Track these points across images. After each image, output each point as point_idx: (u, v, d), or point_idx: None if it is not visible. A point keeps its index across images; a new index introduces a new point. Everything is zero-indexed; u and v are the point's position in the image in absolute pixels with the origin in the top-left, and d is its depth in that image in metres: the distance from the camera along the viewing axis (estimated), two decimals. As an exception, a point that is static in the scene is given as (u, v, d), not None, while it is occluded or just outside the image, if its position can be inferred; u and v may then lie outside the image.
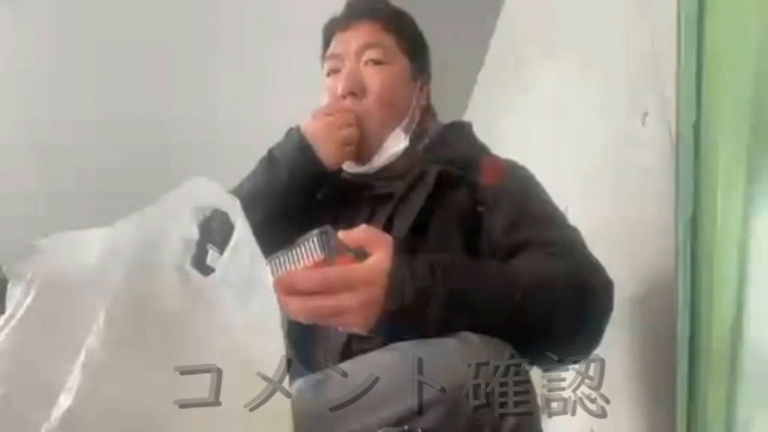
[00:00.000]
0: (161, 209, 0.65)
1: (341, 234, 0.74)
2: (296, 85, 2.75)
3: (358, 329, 0.75)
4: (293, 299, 0.71)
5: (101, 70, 2.93)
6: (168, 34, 2.70)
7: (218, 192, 0.68)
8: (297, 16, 2.57)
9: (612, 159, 1.25)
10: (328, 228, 0.73)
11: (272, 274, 0.72)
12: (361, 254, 0.74)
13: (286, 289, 0.70)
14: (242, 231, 0.66)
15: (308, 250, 0.72)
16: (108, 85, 3.00)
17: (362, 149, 1.03)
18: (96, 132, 3.24)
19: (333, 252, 0.72)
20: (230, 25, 2.67)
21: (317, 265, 0.71)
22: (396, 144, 1.02)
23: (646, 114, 1.09)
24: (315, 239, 0.71)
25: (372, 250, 0.74)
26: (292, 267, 0.72)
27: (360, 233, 0.75)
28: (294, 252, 0.72)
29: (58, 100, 3.09)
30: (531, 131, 1.91)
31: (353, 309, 0.72)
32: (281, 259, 0.73)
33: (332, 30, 1.08)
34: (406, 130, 1.04)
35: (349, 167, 1.05)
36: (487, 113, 2.46)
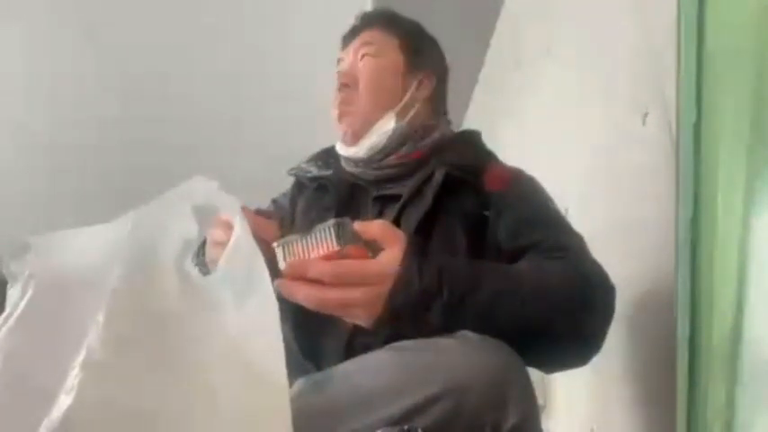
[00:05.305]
0: (160, 208, 0.65)
1: (357, 225, 0.74)
2: (295, 85, 2.76)
3: (361, 323, 0.75)
4: (301, 285, 0.71)
5: (101, 70, 2.94)
6: (169, 34, 2.70)
7: (216, 191, 0.68)
8: (297, 17, 2.58)
9: (612, 159, 1.25)
10: (346, 219, 0.73)
11: (283, 258, 0.73)
12: (374, 247, 0.74)
13: (296, 274, 0.71)
14: (241, 231, 0.66)
15: (323, 239, 0.72)
16: (108, 85, 3.00)
17: (355, 133, 1.07)
18: (96, 132, 3.25)
19: (347, 243, 0.72)
20: (230, 25, 2.67)
21: (330, 255, 0.71)
22: (385, 125, 1.06)
23: (646, 114, 1.09)
24: (331, 229, 0.71)
25: (386, 246, 0.75)
26: (305, 254, 0.72)
27: (376, 227, 0.76)
28: (308, 239, 0.72)
29: (59, 100, 3.09)
30: (532, 131, 1.91)
31: (359, 303, 0.72)
32: (294, 245, 0.73)
33: (344, 40, 1.15)
34: (398, 115, 1.07)
35: (341, 150, 1.09)
36: (488, 113, 2.46)
